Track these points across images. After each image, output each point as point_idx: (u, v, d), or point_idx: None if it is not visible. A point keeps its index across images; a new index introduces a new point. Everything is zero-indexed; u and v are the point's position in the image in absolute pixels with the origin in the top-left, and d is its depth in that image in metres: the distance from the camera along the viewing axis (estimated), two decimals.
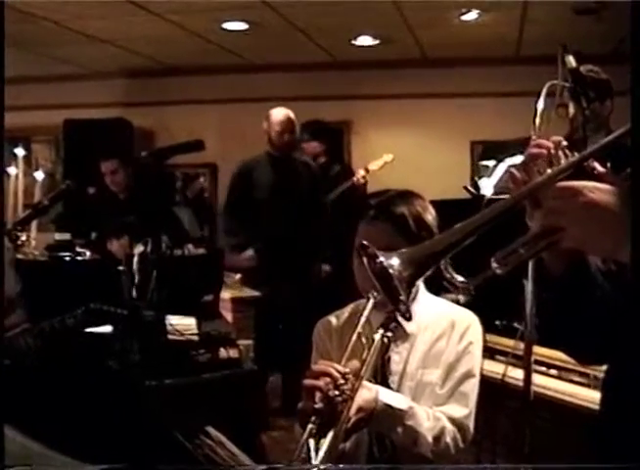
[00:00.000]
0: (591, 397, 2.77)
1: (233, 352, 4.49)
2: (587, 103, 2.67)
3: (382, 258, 1.31)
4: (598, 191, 1.23)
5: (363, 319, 1.96)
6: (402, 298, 1.31)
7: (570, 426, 2.82)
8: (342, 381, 1.84)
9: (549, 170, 1.33)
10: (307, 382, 1.85)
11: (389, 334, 2.03)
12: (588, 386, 2.91)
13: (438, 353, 2.09)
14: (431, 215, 2.12)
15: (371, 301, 1.98)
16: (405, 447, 1.99)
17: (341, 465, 1.88)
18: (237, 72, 7.32)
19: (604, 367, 2.78)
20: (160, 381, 3.93)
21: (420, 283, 2.16)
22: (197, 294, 4.76)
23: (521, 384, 2.81)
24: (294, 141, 5.56)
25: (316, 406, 1.81)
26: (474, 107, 7.15)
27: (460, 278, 1.32)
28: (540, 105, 2.50)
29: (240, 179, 5.55)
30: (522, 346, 2.88)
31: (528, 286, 2.52)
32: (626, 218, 1.22)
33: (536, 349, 2.85)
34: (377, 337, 1.97)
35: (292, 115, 5.53)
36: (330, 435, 1.80)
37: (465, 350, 2.08)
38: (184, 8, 5.21)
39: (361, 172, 6.14)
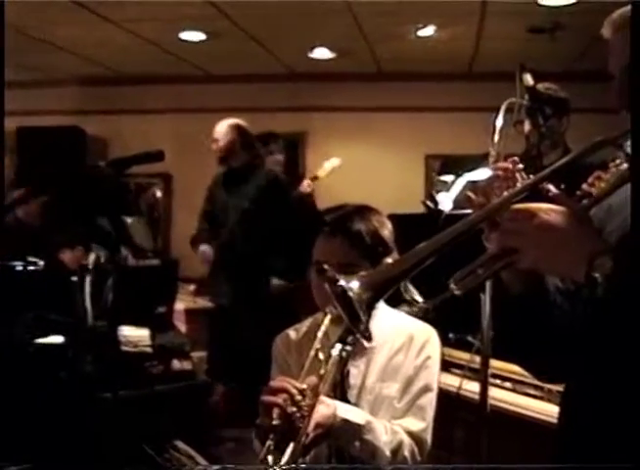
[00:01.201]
0: (546, 409, 2.82)
1: (186, 364, 4.48)
2: (544, 120, 2.72)
3: (342, 282, 1.32)
4: (553, 213, 1.26)
5: (320, 335, 1.97)
6: (362, 319, 1.32)
7: (525, 438, 2.85)
8: (299, 397, 1.85)
9: (505, 193, 1.36)
10: (265, 399, 1.85)
11: (348, 348, 2.03)
12: (542, 398, 2.95)
13: (397, 367, 2.09)
14: (387, 230, 2.13)
15: (328, 316, 2.00)
16: (364, 461, 1.99)
17: (293, 465, 1.87)
18: (193, 83, 7.29)
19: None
20: (114, 393, 3.89)
21: None
22: (150, 305, 4.73)
23: (476, 397, 2.82)
24: (228, 152, 5.31)
25: (274, 423, 1.81)
26: (428, 121, 7.23)
27: (419, 298, 1.34)
28: (499, 121, 2.53)
29: (205, 197, 5.48)
30: (477, 359, 2.91)
31: (486, 301, 2.54)
32: (581, 239, 1.25)
33: (491, 362, 2.87)
34: (334, 352, 1.98)
35: (225, 125, 5.38)
36: (288, 451, 1.80)
37: (423, 364, 2.09)
38: (142, 17, 5.17)
39: (307, 181, 5.98)
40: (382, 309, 2.17)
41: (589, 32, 5.34)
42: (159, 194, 7.95)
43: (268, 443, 1.80)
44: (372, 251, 2.06)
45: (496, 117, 2.55)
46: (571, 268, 1.26)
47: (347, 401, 2.04)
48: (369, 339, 1.40)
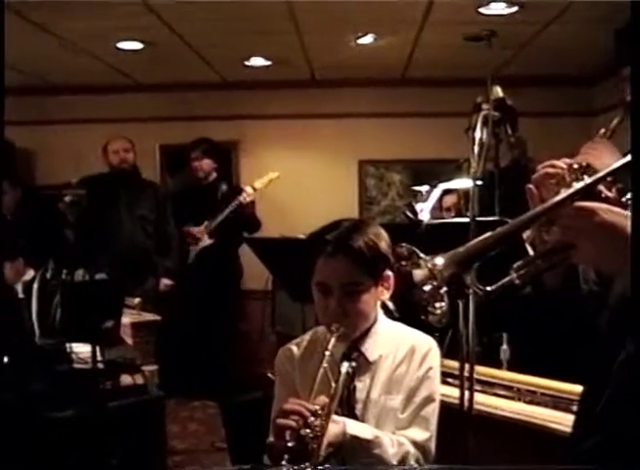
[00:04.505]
0: (516, 408, 2.91)
1: (138, 379, 4.41)
2: (512, 131, 2.80)
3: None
4: (611, 213, 1.33)
5: (328, 353, 2.00)
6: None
7: (497, 437, 2.91)
8: (312, 419, 1.88)
9: (569, 190, 1.42)
10: (280, 421, 1.88)
11: (354, 364, 2.08)
12: (512, 398, 3.03)
13: (400, 379, 2.14)
14: (384, 243, 2.15)
15: (335, 335, 2.03)
16: None
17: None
18: (125, 92, 7.18)
19: (530, 380, 2.92)
20: (64, 412, 3.81)
21: (379, 310, 2.22)
22: (98, 320, 4.63)
23: (452, 401, 2.88)
24: (131, 164, 6.16)
25: (289, 445, 1.84)
26: (361, 127, 7.31)
27: (479, 285, 1.40)
28: (478, 134, 2.59)
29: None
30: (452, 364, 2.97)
31: (469, 306, 2.59)
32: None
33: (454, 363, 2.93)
34: (343, 370, 2.03)
35: (126, 140, 6.14)
36: None
37: (425, 375, 2.14)
38: (80, 26, 5.06)
39: (248, 190, 6.20)
40: (383, 322, 2.22)
41: (517, 40, 5.53)
42: None
43: (283, 464, 1.82)
44: (373, 266, 2.10)
45: (474, 130, 2.60)
46: (623, 267, 1.32)
47: (354, 416, 2.08)
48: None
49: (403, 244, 1.40)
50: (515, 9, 4.74)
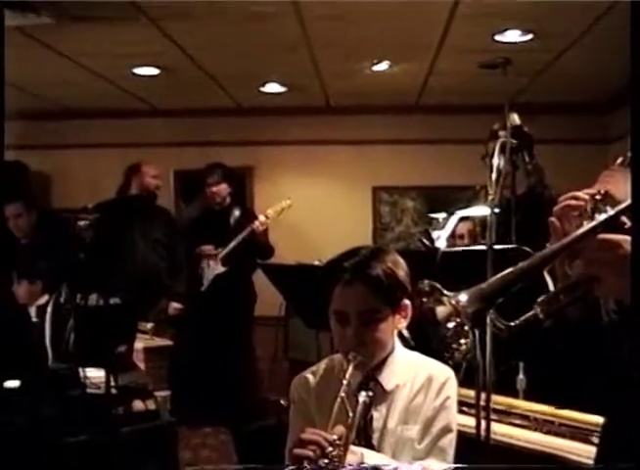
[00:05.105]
0: (532, 438, 2.86)
1: (150, 404, 4.39)
2: (530, 158, 2.79)
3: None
4: None
5: (345, 382, 1.97)
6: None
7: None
8: (330, 449, 1.85)
9: (592, 222, 1.40)
10: (297, 451, 1.85)
11: (371, 393, 2.06)
12: (529, 428, 2.99)
13: (417, 409, 2.11)
14: (402, 271, 2.13)
15: (352, 364, 2.01)
16: None
17: None
18: (140, 117, 7.22)
19: (547, 410, 2.89)
20: (76, 437, 3.79)
21: (396, 339, 2.20)
22: (111, 345, 4.63)
23: (467, 430, 2.85)
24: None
25: None
26: (375, 153, 7.32)
27: (502, 320, 1.37)
28: (495, 161, 2.57)
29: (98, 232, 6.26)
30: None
31: (486, 337, 2.57)
32: None
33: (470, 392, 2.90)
34: (361, 399, 2.01)
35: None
36: None
37: (442, 405, 2.11)
38: (96, 51, 5.11)
39: (262, 218, 6.20)
40: (400, 351, 2.20)
41: (532, 67, 5.54)
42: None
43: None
44: (391, 294, 2.08)
45: (491, 157, 2.59)
46: None
47: (371, 446, 2.06)
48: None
49: (425, 280, 1.37)
50: (530, 36, 4.76)
